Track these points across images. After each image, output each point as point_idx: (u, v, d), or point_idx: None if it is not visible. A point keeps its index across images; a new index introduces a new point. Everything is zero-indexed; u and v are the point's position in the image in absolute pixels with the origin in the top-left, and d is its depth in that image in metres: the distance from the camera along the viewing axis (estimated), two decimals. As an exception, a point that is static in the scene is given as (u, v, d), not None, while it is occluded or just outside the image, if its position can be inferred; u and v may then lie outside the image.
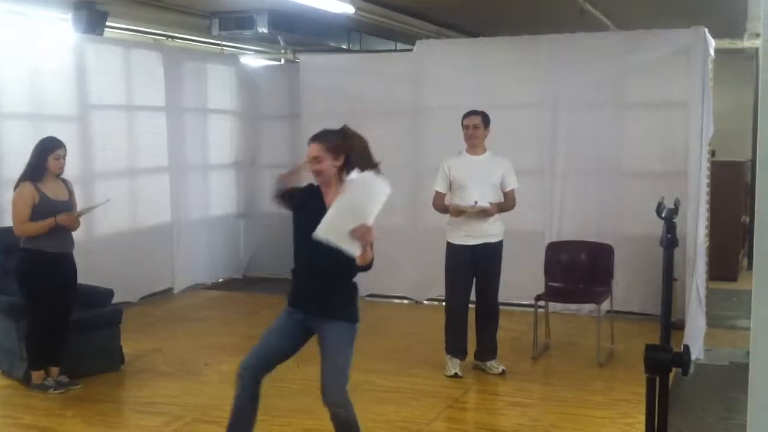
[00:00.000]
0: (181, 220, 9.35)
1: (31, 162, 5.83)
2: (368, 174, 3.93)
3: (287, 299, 4.33)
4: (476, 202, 6.03)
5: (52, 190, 5.82)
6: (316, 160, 4.11)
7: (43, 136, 5.95)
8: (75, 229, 5.94)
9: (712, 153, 7.53)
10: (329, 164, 4.11)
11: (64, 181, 5.98)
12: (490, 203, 6.08)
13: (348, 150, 4.14)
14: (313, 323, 4.21)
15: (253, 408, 4.27)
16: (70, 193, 5.98)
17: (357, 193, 3.89)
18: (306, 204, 4.20)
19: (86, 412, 5.57)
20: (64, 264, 5.93)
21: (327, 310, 4.20)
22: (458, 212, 6.05)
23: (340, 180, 4.11)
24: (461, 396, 5.94)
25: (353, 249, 3.89)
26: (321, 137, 4.16)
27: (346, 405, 4.19)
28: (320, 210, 4.00)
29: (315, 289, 4.20)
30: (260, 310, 8.54)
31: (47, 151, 5.80)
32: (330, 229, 3.85)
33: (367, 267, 4.07)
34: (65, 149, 5.88)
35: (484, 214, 6.07)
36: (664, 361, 2.73)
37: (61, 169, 5.88)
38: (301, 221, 4.18)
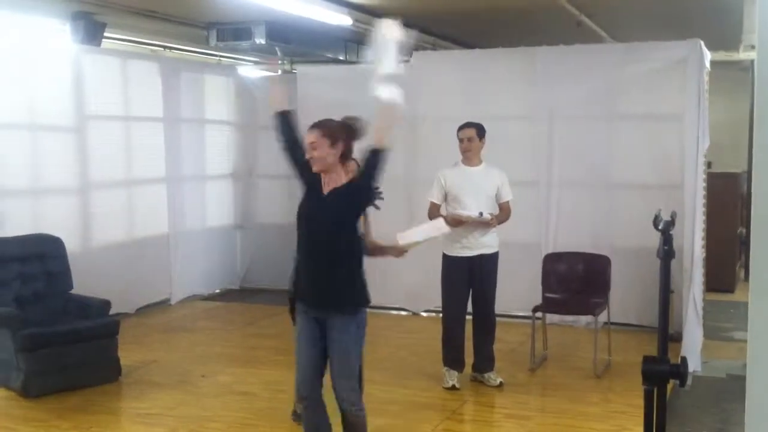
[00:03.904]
0: (178, 231, 9.35)
1: None
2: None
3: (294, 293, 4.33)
4: (481, 213, 6.03)
5: None
6: (312, 146, 4.15)
7: None
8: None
9: (708, 164, 7.56)
10: (326, 151, 4.13)
11: None
12: (491, 215, 6.10)
13: (346, 139, 4.20)
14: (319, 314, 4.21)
15: (325, 422, 4.33)
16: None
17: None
18: (312, 184, 4.23)
19: (83, 423, 5.56)
20: None
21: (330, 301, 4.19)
22: (457, 222, 6.06)
23: (342, 170, 4.20)
24: (458, 408, 5.93)
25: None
26: (319, 124, 4.23)
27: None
28: (317, 197, 4.13)
29: (315, 277, 4.18)
30: (257, 321, 8.55)
31: None
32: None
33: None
34: None
35: (485, 225, 6.08)
36: (661, 373, 2.74)
37: None
38: (302, 202, 4.24)
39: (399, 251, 4.74)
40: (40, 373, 6.03)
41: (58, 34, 8.71)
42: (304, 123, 9.81)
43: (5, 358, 6.15)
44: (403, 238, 4.71)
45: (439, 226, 5.17)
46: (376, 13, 8.88)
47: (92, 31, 8.44)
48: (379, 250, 4.74)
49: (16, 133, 7.58)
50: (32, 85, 7.62)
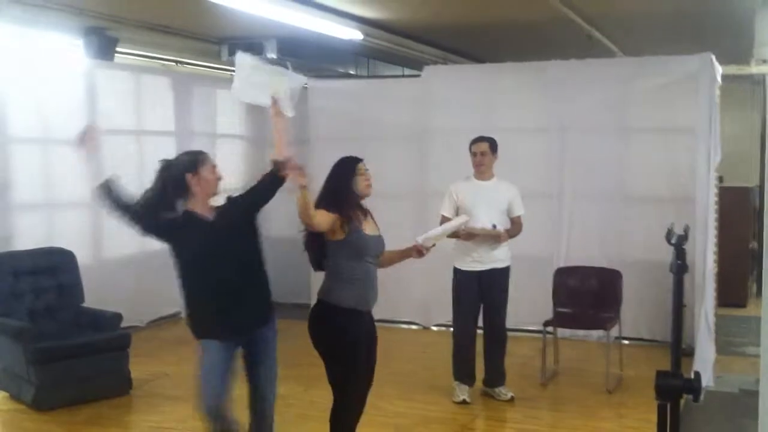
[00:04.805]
0: (190, 245, 9.35)
1: (331, 187, 4.44)
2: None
3: (214, 332, 4.25)
4: (494, 226, 6.04)
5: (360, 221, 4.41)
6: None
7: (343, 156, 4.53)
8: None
9: (720, 178, 7.53)
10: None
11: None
12: (504, 229, 6.11)
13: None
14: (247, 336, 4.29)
15: None
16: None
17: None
18: (183, 227, 4.25)
19: (94, 436, 5.57)
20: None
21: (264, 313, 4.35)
22: (469, 236, 6.05)
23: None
24: (469, 422, 5.91)
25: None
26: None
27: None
28: (204, 227, 4.21)
29: (245, 302, 4.23)
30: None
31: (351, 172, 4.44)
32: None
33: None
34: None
35: (495, 240, 6.08)
36: (675, 388, 2.73)
37: (369, 187, 4.45)
38: (192, 246, 4.22)
39: (419, 250, 4.54)
40: (52, 386, 6.04)
41: (71, 49, 8.77)
42: (314, 136, 9.86)
43: (17, 371, 6.17)
44: (424, 239, 4.58)
45: (460, 220, 5.36)
46: (387, 27, 8.93)
47: (105, 46, 8.49)
48: (396, 257, 4.61)
49: (30, 147, 7.62)
50: (45, 100, 7.66)
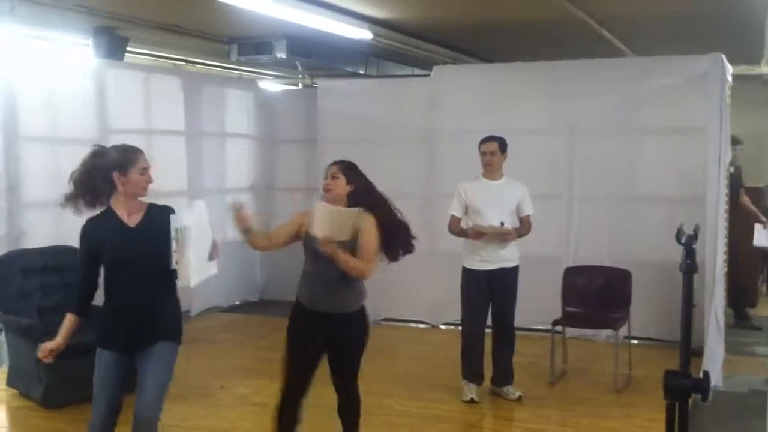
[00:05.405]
0: (198, 244, 9.37)
1: None
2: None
3: (107, 342, 4.16)
4: (502, 223, 6.04)
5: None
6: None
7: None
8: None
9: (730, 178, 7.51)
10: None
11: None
12: (513, 228, 6.11)
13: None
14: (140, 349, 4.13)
15: None
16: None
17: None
18: (103, 228, 4.07)
19: (103, 434, 5.57)
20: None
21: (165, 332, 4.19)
22: (478, 235, 6.05)
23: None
24: (478, 421, 5.91)
25: None
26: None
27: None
28: (121, 232, 4.04)
29: (142, 317, 4.09)
30: (275, 333, 8.51)
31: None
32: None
33: None
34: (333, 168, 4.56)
35: (503, 238, 6.07)
36: (683, 387, 2.72)
37: (327, 190, 4.51)
38: (109, 248, 4.06)
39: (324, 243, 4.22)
40: (61, 384, 6.05)
41: (81, 49, 8.80)
42: (322, 136, 9.85)
43: (27, 369, 6.19)
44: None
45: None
46: (397, 27, 8.93)
47: (115, 45, 8.51)
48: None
49: (39, 146, 7.64)
50: (55, 99, 7.68)
